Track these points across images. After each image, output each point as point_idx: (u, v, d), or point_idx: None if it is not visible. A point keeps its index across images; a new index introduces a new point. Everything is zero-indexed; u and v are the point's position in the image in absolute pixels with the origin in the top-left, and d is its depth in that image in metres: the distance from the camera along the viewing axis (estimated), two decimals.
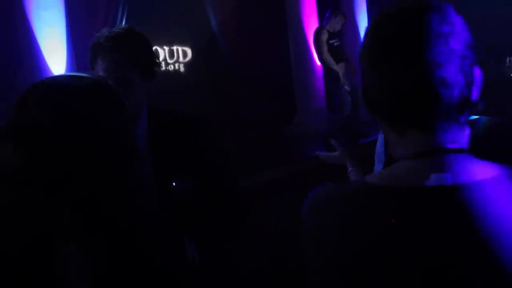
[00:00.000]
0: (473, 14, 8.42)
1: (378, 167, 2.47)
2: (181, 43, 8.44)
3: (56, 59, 5.15)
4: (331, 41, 7.06)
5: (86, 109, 1.02)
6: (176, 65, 8.55)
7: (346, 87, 7.20)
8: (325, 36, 7.04)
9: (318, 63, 7.77)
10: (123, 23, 6.42)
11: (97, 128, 1.01)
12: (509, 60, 6.47)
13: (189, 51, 8.59)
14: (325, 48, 7.05)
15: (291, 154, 7.29)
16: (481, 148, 1.83)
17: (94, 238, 1.00)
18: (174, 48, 8.49)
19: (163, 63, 8.26)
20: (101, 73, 1.65)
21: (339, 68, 7.10)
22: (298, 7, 8.13)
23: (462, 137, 0.90)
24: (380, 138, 2.59)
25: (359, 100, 7.51)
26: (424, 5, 0.89)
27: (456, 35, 0.86)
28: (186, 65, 8.60)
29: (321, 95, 7.94)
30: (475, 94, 0.90)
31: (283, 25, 8.38)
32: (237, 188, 1.81)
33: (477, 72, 0.90)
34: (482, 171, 0.87)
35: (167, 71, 8.39)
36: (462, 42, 0.87)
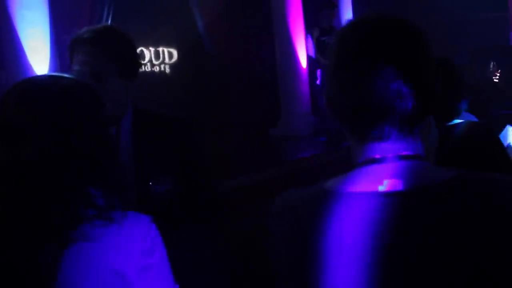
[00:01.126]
0: (459, 18, 8.49)
1: None
2: (167, 44, 8.43)
3: (39, 59, 5.11)
4: (322, 38, 7.07)
5: (64, 109, 1.02)
6: (162, 66, 8.53)
7: None
8: (315, 34, 7.07)
9: (304, 65, 7.79)
10: (109, 23, 6.39)
11: (75, 127, 1.02)
12: (493, 64, 6.56)
13: (175, 53, 8.57)
14: (312, 45, 7.07)
15: (276, 157, 7.30)
16: (461, 151, 1.84)
17: (77, 237, 1.01)
18: (160, 49, 8.47)
19: (148, 64, 8.24)
20: (77, 67, 1.65)
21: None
22: (284, 11, 8.15)
23: (417, 145, 0.94)
24: None
25: None
26: (385, 19, 0.94)
27: (414, 49, 0.91)
28: (172, 66, 8.58)
29: (306, 98, 7.97)
30: (430, 106, 0.95)
31: (269, 28, 8.39)
32: (211, 187, 1.82)
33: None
34: (434, 176, 0.90)
35: (152, 72, 8.36)
36: (420, 56, 0.92)
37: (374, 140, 0.92)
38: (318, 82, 7.36)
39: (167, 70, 8.59)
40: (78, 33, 1.69)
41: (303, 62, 7.90)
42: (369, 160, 0.93)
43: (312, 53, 7.14)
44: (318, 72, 7.27)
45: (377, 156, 0.92)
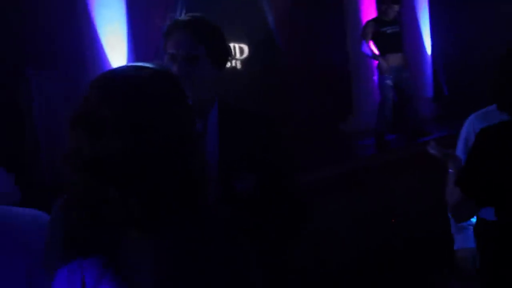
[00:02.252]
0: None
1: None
2: (238, 40, 8.48)
3: (117, 54, 5.30)
4: (382, 29, 6.79)
5: (145, 99, 1.02)
6: (233, 62, 8.60)
7: (388, 81, 6.79)
8: (371, 28, 6.80)
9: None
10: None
11: (157, 118, 1.01)
12: None
13: (245, 48, 8.62)
14: (367, 39, 6.81)
15: (347, 151, 7.20)
16: None
17: (159, 227, 1.02)
18: (231, 45, 8.53)
19: None
20: (171, 50, 1.71)
21: (385, 59, 6.74)
22: (357, 2, 8.01)
23: None
24: (461, 142, 2.41)
25: (416, 97, 7.27)
26: None
27: None
28: (243, 62, 8.63)
29: (378, 92, 7.79)
30: None
31: (340, 20, 8.28)
32: (298, 191, 1.80)
33: None
34: None
35: None
36: None
37: None
38: (374, 77, 7.04)
39: (238, 65, 8.65)
40: (174, 19, 1.78)
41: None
42: None
43: (365, 50, 6.85)
44: (375, 68, 6.95)
45: None
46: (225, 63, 1.80)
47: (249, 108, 1.82)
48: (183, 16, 1.77)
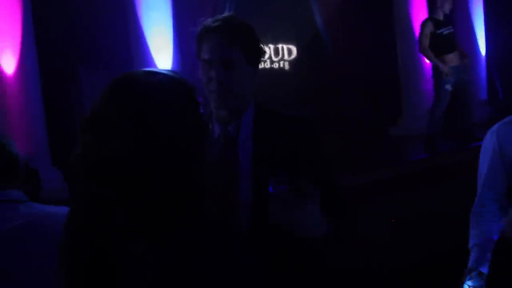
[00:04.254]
0: None
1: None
2: (286, 41, 8.46)
3: (163, 55, 5.37)
4: (439, 31, 6.58)
5: (151, 103, 1.00)
6: (281, 63, 8.58)
7: (448, 86, 6.55)
8: (429, 29, 6.58)
9: (428, 61, 7.41)
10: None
11: (162, 123, 0.99)
12: None
13: (294, 49, 8.59)
14: (425, 42, 6.58)
15: (395, 155, 7.06)
16: None
17: (160, 233, 1.00)
18: (279, 46, 8.52)
19: (268, 61, 8.33)
20: (206, 56, 1.68)
21: (444, 61, 6.49)
22: (407, 3, 7.84)
23: None
24: (489, 155, 2.13)
25: (471, 99, 7.02)
26: None
27: None
28: (291, 62, 8.60)
29: (429, 95, 7.58)
30: None
31: (390, 21, 8.12)
32: (340, 195, 1.73)
33: None
34: None
35: (272, 68, 8.44)
36: None
37: None
38: (429, 80, 6.80)
39: (286, 66, 8.63)
40: (204, 23, 1.72)
41: None
42: None
43: (423, 52, 6.59)
44: (431, 70, 6.70)
45: None
46: (259, 61, 1.77)
47: (286, 110, 1.78)
48: (212, 20, 1.71)
